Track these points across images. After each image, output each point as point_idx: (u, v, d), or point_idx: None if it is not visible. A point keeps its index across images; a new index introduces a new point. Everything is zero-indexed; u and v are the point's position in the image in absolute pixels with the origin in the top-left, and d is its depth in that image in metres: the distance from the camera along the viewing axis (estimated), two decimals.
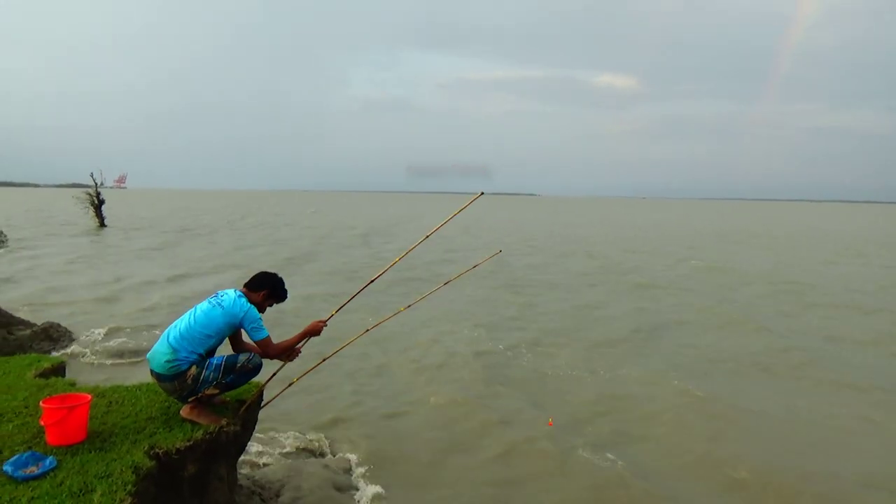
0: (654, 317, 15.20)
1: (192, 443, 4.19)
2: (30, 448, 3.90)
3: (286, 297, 4.77)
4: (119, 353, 10.97)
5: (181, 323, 4.39)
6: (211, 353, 4.46)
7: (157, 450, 4.04)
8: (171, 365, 4.26)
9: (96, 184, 43.40)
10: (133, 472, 3.68)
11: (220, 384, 4.39)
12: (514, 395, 9.31)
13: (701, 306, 16.65)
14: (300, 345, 4.69)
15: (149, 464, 3.86)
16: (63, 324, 12.25)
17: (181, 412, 4.46)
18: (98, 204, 44.34)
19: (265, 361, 4.63)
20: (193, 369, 4.28)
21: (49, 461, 3.69)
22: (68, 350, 10.95)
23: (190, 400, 4.43)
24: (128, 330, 12.62)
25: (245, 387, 5.16)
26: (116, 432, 4.23)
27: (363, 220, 56.93)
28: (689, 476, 6.96)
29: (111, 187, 58.34)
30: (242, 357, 4.46)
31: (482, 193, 5.49)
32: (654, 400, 9.15)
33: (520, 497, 6.41)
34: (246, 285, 4.65)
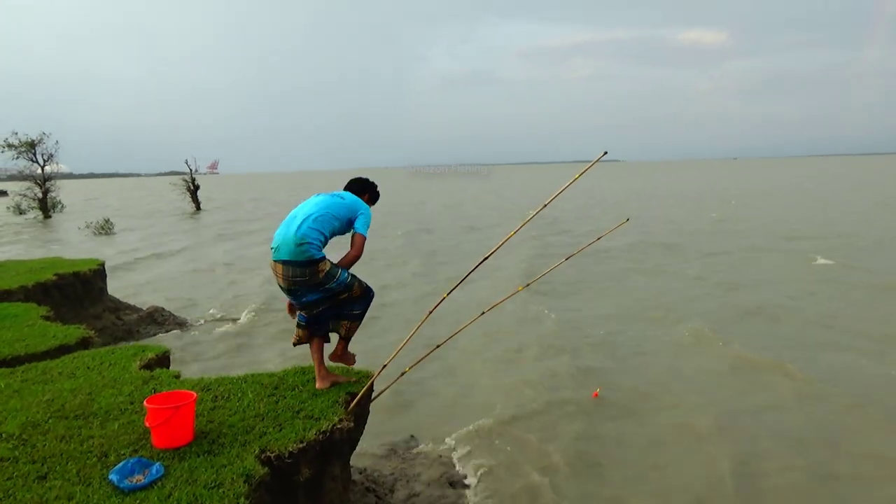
0: None
1: (304, 444, 3.78)
2: (136, 452, 3.60)
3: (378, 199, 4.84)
4: (222, 338, 11.00)
5: (305, 211, 4.28)
6: (326, 242, 4.33)
7: (268, 453, 3.64)
8: (302, 249, 4.09)
9: (191, 170, 45.26)
10: (245, 482, 3.29)
11: (352, 314, 4.43)
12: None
13: None
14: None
15: (261, 471, 3.46)
16: (167, 308, 12.49)
17: (330, 357, 4.59)
18: (193, 189, 46.30)
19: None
20: (327, 264, 4.19)
21: (156, 468, 3.35)
22: (172, 334, 11.08)
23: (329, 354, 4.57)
24: (228, 314, 12.71)
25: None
26: (224, 432, 3.88)
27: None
28: None
29: (205, 173, 60.96)
30: (355, 278, 4.42)
31: (605, 153, 4.80)
32: None
33: None
34: (349, 189, 4.66)
